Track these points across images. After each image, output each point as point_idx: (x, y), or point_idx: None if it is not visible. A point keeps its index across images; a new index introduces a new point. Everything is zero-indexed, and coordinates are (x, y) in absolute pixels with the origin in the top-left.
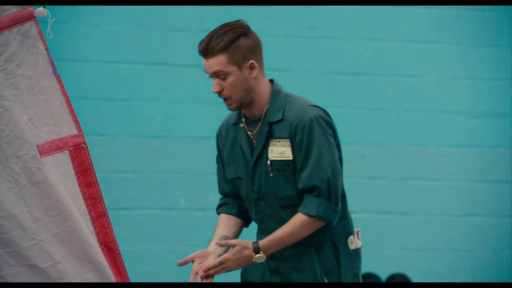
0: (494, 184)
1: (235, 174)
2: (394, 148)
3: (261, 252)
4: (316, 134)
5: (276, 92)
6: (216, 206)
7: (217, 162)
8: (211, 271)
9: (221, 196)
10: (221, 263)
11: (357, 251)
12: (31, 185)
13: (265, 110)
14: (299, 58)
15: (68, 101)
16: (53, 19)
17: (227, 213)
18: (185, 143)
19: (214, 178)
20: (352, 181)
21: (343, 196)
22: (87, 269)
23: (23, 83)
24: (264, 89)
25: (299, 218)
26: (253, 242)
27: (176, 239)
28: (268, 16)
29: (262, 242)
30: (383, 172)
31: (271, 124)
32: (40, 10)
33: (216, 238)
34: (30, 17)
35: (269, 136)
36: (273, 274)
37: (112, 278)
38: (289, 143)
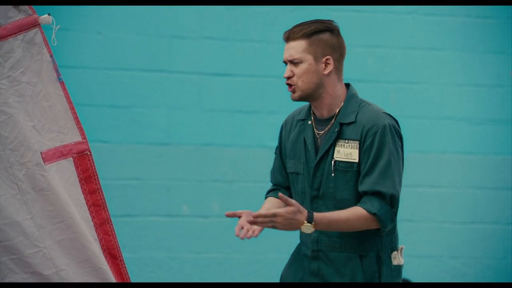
0: (497, 191)
1: (294, 169)
2: None
3: (313, 222)
4: (387, 141)
5: (351, 96)
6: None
7: (275, 152)
8: (259, 219)
9: (273, 185)
10: (273, 215)
11: (398, 268)
12: (35, 192)
13: (337, 111)
14: None
15: (72, 108)
16: (58, 26)
17: (277, 198)
18: (188, 150)
19: (217, 184)
20: None
21: (396, 210)
22: (91, 276)
23: (27, 90)
24: (338, 91)
25: (359, 210)
26: (308, 211)
27: (179, 246)
28: (272, 23)
29: (317, 215)
30: None
31: (341, 125)
32: (45, 17)
33: (263, 210)
34: (35, 24)
35: (338, 136)
36: (313, 277)
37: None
38: (358, 145)
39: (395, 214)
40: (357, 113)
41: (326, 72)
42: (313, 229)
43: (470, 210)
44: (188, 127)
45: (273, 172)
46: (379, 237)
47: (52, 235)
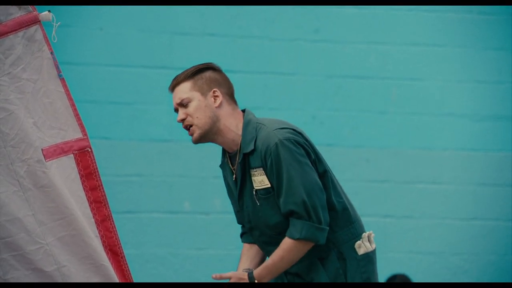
0: (498, 188)
1: (236, 207)
2: (398, 151)
3: (256, 281)
4: (282, 158)
5: (247, 123)
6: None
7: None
8: None
9: (241, 226)
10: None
11: (367, 256)
12: (36, 189)
13: (239, 142)
14: (303, 62)
15: (73, 105)
16: (58, 23)
17: (249, 242)
18: (190, 147)
19: (219, 181)
20: (357, 185)
21: (342, 202)
22: (92, 273)
23: (28, 87)
24: (234, 121)
25: (286, 243)
26: (248, 273)
27: (181, 242)
28: (273, 20)
29: (256, 271)
30: (388, 176)
31: (245, 155)
32: (45, 14)
33: (240, 269)
34: (35, 21)
35: (246, 167)
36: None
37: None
38: (263, 171)
39: (320, 221)
40: (256, 139)
41: (216, 104)
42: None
43: (471, 207)
44: None
45: (234, 213)
46: (332, 234)
47: (54, 232)
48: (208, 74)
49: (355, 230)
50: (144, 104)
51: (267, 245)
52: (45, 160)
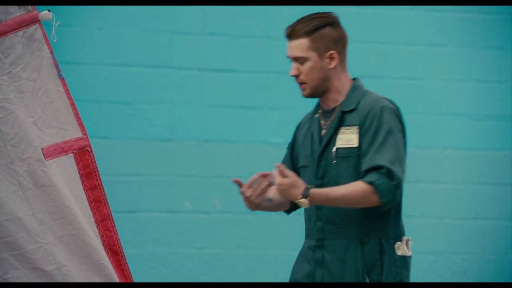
0: (499, 187)
1: (303, 162)
2: None
3: (308, 198)
4: (385, 120)
5: (355, 87)
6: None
7: (287, 147)
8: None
9: None
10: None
11: (404, 258)
12: (36, 188)
13: (341, 101)
14: None
15: (72, 104)
16: (58, 22)
17: None
18: (190, 146)
19: (219, 180)
20: None
21: (401, 200)
22: (92, 272)
23: (27, 86)
24: (343, 82)
25: (356, 184)
26: (306, 186)
27: (181, 241)
28: (273, 19)
29: (314, 191)
30: None
31: (344, 113)
32: (45, 13)
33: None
34: (35, 20)
35: (340, 124)
36: (318, 267)
37: (117, 281)
38: (357, 130)
39: (396, 188)
40: (359, 101)
41: (331, 66)
42: (308, 204)
43: (472, 206)
44: (190, 123)
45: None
46: (382, 224)
47: (53, 231)
48: (327, 32)
49: (399, 231)
50: (144, 103)
51: (326, 207)
52: (45, 159)
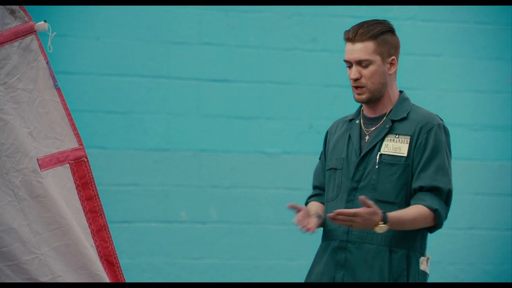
0: (495, 197)
1: (334, 164)
2: None
3: (388, 223)
4: (443, 140)
5: (404, 98)
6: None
7: (320, 158)
8: (340, 217)
9: (314, 188)
10: (354, 214)
11: (424, 274)
12: (31, 199)
13: (389, 110)
14: (300, 71)
15: (69, 115)
16: (54, 33)
17: (321, 202)
18: (186, 156)
19: (215, 190)
20: None
21: None
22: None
23: (23, 96)
24: (394, 91)
25: (421, 208)
26: (383, 212)
27: (177, 252)
28: (269, 29)
29: (391, 215)
30: None
31: (393, 121)
32: (41, 24)
33: (314, 212)
34: (31, 31)
35: (389, 132)
36: (339, 269)
37: None
38: (409, 140)
39: (448, 212)
40: (409, 112)
41: (391, 72)
42: (386, 229)
43: (469, 216)
44: (186, 133)
45: (316, 174)
46: (412, 236)
47: (49, 242)
48: (389, 37)
49: (425, 245)
50: (141, 113)
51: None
52: (40, 170)
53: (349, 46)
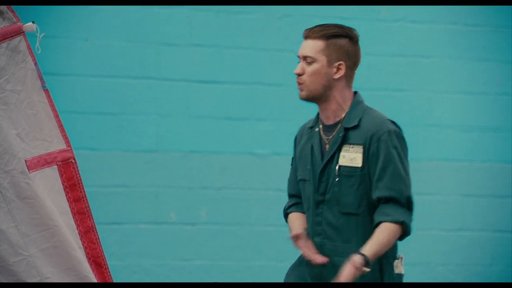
0: (484, 198)
1: (302, 175)
2: None
3: (370, 264)
4: (395, 146)
5: (357, 102)
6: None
7: (291, 164)
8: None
9: (291, 197)
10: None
11: (400, 277)
12: (19, 200)
13: (343, 116)
14: (290, 72)
15: (57, 116)
16: (42, 34)
17: (301, 212)
18: (176, 157)
19: (205, 192)
20: None
21: None
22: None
23: (11, 98)
24: (345, 97)
25: (387, 227)
26: (362, 256)
27: (167, 253)
28: (259, 30)
29: (368, 254)
30: None
31: (346, 129)
32: (29, 25)
33: (300, 228)
34: (19, 32)
35: (343, 141)
36: (315, 281)
37: None
38: (362, 150)
39: (412, 217)
40: (361, 118)
41: (336, 76)
42: (369, 268)
43: (458, 218)
44: (176, 134)
45: (289, 182)
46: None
47: (37, 243)
48: (343, 42)
49: (396, 249)
50: (131, 114)
51: (326, 224)
52: (28, 171)
53: (303, 42)
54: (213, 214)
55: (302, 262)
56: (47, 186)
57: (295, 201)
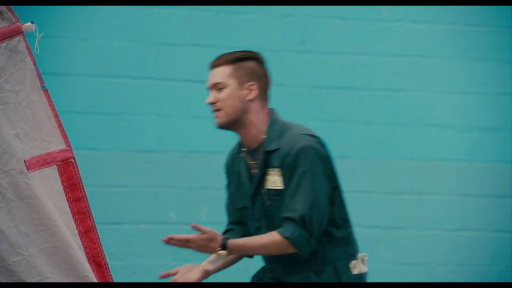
0: (484, 198)
1: (242, 203)
2: (384, 162)
3: (227, 250)
4: (300, 165)
5: (273, 122)
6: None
7: (227, 190)
8: (173, 242)
9: (228, 224)
10: (186, 240)
11: (361, 276)
12: (19, 200)
13: (263, 138)
14: (289, 72)
15: (56, 116)
16: (41, 34)
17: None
18: (176, 157)
19: (205, 192)
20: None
21: (345, 220)
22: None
23: (10, 98)
24: (261, 119)
25: (274, 235)
26: (223, 238)
27: (167, 253)
28: (259, 30)
29: (232, 242)
30: (374, 186)
31: (267, 153)
32: (28, 25)
33: (211, 258)
34: (18, 32)
35: (266, 165)
36: None
37: None
38: (280, 172)
39: (312, 235)
40: (280, 138)
41: (249, 98)
42: (227, 255)
43: (458, 218)
44: (176, 134)
45: (226, 210)
46: (331, 249)
47: (37, 243)
48: (250, 64)
49: (352, 249)
50: (131, 114)
51: None
52: (27, 171)
53: (210, 73)
54: (213, 214)
55: (264, 278)
56: (47, 186)
57: (229, 228)
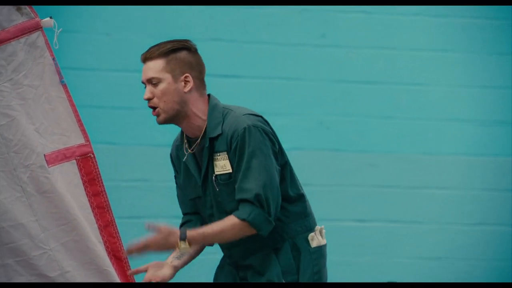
0: (505, 193)
1: (194, 194)
2: (404, 156)
3: (186, 241)
4: (247, 144)
5: (212, 107)
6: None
7: (176, 182)
8: (134, 254)
9: (184, 215)
10: (145, 247)
11: (319, 249)
12: (39, 194)
13: (204, 127)
14: (309, 67)
15: (75, 111)
16: (60, 29)
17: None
18: None
19: None
20: (362, 190)
21: (299, 195)
22: (96, 278)
23: (29, 93)
24: (201, 108)
25: (231, 219)
26: (181, 231)
27: None
28: (279, 25)
29: (190, 233)
30: (393, 181)
31: (211, 140)
32: (47, 21)
33: (175, 253)
34: (37, 27)
35: (211, 151)
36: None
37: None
38: (227, 155)
39: (270, 213)
40: (222, 124)
41: (186, 90)
42: (189, 246)
43: (478, 212)
44: None
45: (179, 202)
46: (288, 225)
47: (57, 237)
48: (183, 55)
49: (308, 223)
50: (149, 109)
51: None
52: (47, 165)
53: (143, 67)
54: None
55: (224, 266)
56: (66, 181)
57: (187, 219)
